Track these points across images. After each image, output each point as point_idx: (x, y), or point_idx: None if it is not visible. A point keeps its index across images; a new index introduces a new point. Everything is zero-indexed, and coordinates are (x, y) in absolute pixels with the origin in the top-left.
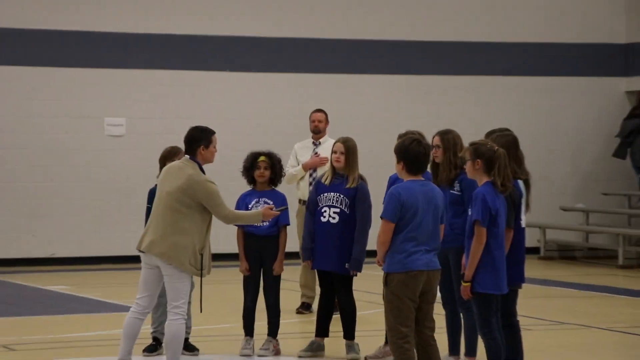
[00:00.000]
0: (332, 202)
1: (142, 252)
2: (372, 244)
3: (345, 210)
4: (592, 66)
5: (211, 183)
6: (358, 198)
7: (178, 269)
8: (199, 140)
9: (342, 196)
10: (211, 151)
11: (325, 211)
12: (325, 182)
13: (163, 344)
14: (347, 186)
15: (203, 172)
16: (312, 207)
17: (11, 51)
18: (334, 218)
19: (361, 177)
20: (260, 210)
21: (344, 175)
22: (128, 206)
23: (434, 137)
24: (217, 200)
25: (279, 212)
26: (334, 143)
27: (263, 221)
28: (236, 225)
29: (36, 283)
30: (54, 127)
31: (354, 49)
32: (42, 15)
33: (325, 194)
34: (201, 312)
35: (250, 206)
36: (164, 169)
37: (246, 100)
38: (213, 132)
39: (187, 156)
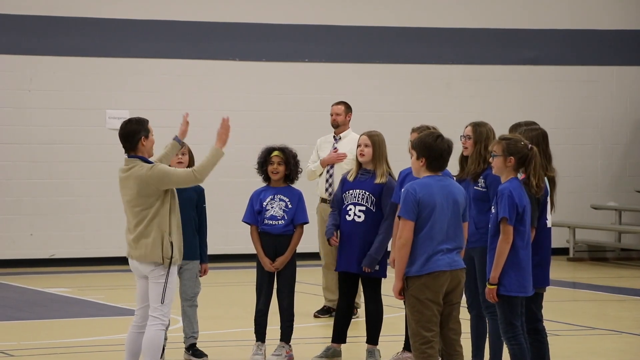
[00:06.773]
0: (358, 200)
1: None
2: None
3: (372, 208)
4: (624, 54)
5: (153, 166)
6: (385, 194)
7: (157, 271)
8: (138, 133)
9: (367, 193)
10: (151, 140)
11: (350, 209)
12: (350, 178)
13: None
14: (375, 182)
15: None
16: (337, 205)
17: (6, 39)
18: (359, 217)
19: (390, 174)
20: (215, 146)
21: (371, 171)
22: None
23: (466, 128)
24: (169, 172)
25: (227, 122)
26: (360, 136)
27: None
28: (245, 222)
29: (35, 285)
30: (53, 120)
31: (372, 37)
32: (39, 0)
33: (350, 191)
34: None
35: (264, 203)
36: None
37: (257, 92)
38: (147, 120)
39: (125, 156)
